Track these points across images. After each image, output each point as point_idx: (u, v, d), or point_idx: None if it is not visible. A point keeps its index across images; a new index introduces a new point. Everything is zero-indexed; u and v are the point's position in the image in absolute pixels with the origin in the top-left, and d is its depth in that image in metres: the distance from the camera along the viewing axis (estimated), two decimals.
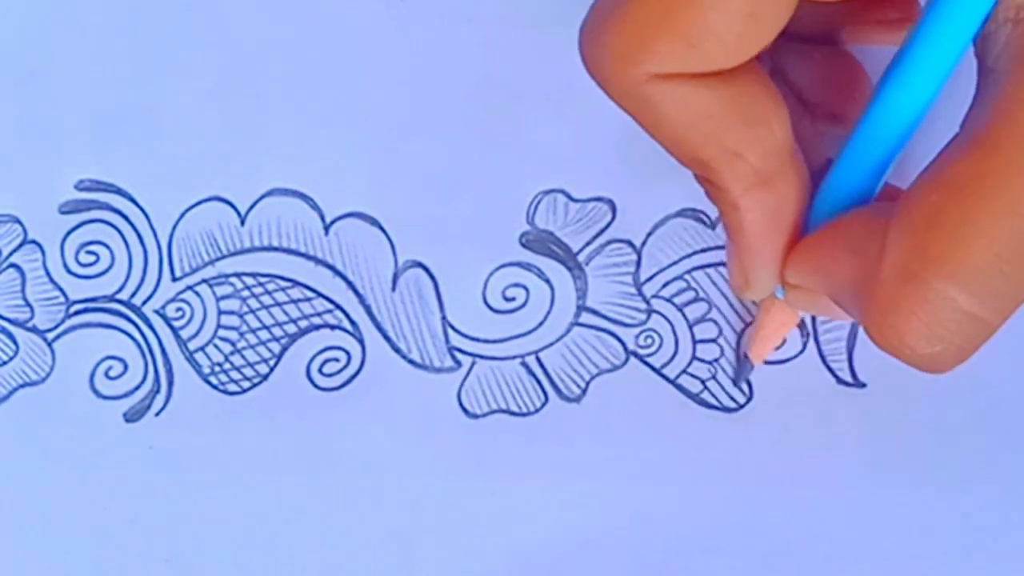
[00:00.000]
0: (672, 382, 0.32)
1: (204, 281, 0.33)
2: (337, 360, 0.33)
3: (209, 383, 0.33)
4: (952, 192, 0.21)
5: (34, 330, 0.33)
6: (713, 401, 0.32)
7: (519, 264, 0.33)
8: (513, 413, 0.33)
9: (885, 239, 0.22)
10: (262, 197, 0.33)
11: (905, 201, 0.22)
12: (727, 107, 0.23)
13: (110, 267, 0.33)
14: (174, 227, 0.33)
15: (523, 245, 0.33)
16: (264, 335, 0.33)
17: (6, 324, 0.33)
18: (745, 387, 0.32)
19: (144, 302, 0.33)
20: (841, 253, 0.24)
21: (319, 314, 0.33)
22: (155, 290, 0.33)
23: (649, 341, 0.33)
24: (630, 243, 0.33)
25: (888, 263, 0.22)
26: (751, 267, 0.27)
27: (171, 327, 0.33)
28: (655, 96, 0.23)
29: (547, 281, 0.33)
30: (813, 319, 0.32)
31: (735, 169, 0.24)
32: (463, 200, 0.33)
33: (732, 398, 0.32)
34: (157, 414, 0.33)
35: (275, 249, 0.33)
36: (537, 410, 0.33)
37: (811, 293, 0.26)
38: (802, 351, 0.32)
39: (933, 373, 0.23)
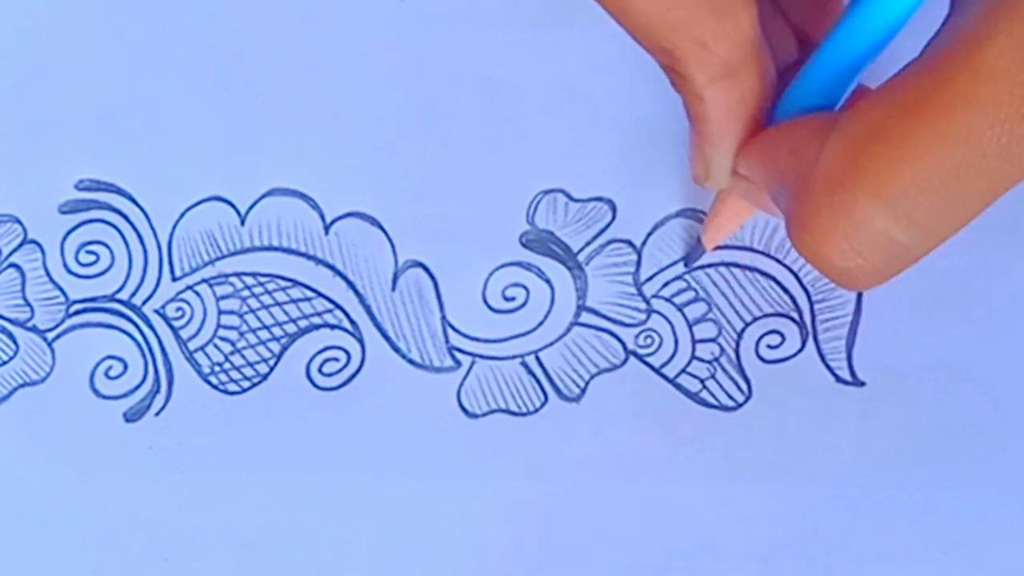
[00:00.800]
0: (671, 381, 0.33)
1: (204, 281, 0.33)
2: (337, 360, 0.33)
3: (209, 383, 0.33)
4: (895, 111, 0.21)
5: (34, 330, 0.33)
6: (712, 400, 0.32)
7: (519, 264, 0.33)
8: (513, 413, 0.33)
9: (823, 146, 0.22)
10: (262, 197, 0.33)
11: (849, 113, 0.22)
12: None
13: (110, 267, 0.33)
14: (174, 227, 0.33)
15: (523, 245, 0.33)
16: (264, 335, 0.33)
17: (6, 324, 0.33)
18: (743, 383, 0.32)
19: (144, 302, 0.33)
20: (784, 152, 0.24)
21: (319, 314, 0.33)
22: (155, 290, 0.33)
23: (649, 341, 0.33)
24: (630, 243, 0.33)
25: (820, 169, 0.22)
26: (711, 156, 0.27)
27: (171, 327, 0.33)
28: None
29: (547, 281, 0.33)
30: (813, 319, 0.32)
31: (701, 59, 0.24)
32: (463, 200, 0.33)
33: (731, 397, 0.32)
34: (157, 414, 0.33)
35: (275, 249, 0.33)
36: (537, 410, 0.33)
37: (753, 188, 0.26)
38: (801, 350, 0.32)
39: (849, 288, 0.23)
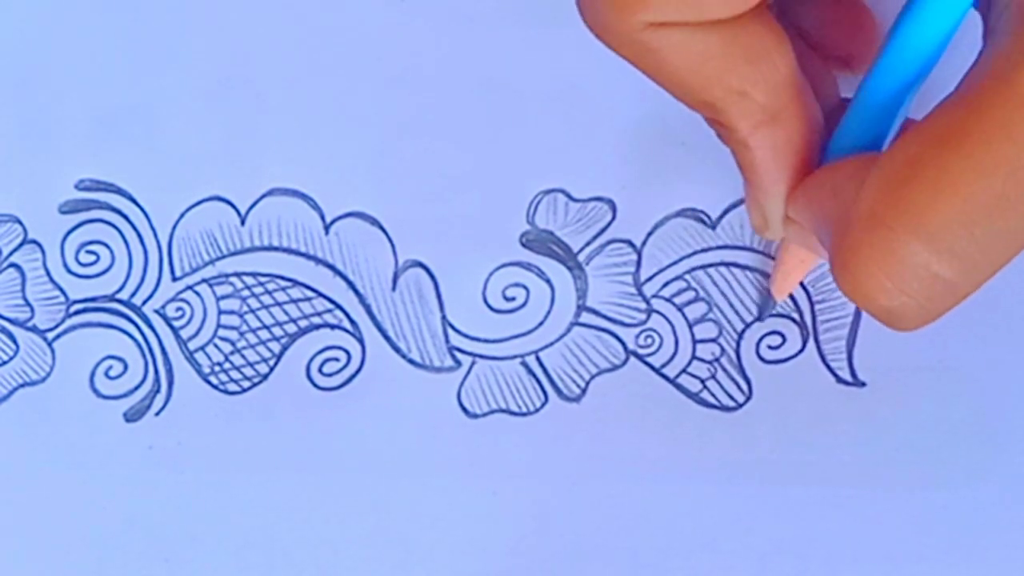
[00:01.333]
0: (672, 382, 0.33)
1: (204, 281, 0.33)
2: (337, 360, 0.33)
3: (209, 383, 0.33)
4: (932, 144, 0.21)
5: (34, 330, 0.33)
6: (712, 400, 0.32)
7: (519, 264, 0.33)
8: (513, 413, 0.33)
9: (863, 184, 0.22)
10: (262, 197, 0.33)
11: (889, 150, 0.22)
12: (727, 47, 0.23)
13: (110, 267, 0.33)
14: (174, 227, 0.33)
15: (523, 245, 0.33)
16: (264, 335, 0.33)
17: (6, 324, 0.33)
18: (744, 384, 0.32)
19: (144, 302, 0.33)
20: (827, 192, 0.24)
21: (319, 314, 0.33)
22: (155, 290, 0.33)
23: (649, 341, 0.33)
24: (630, 243, 0.33)
25: (860, 206, 0.22)
26: (765, 204, 0.27)
27: (171, 327, 0.33)
28: (654, 43, 0.23)
29: (547, 281, 0.33)
30: (813, 319, 0.32)
31: (741, 107, 0.24)
32: (463, 200, 0.33)
33: (732, 397, 0.32)
34: (157, 414, 0.33)
35: (275, 249, 0.33)
36: (537, 410, 0.33)
37: (805, 233, 0.26)
38: (802, 350, 0.32)
39: (895, 328, 0.22)
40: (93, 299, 0.33)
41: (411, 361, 0.33)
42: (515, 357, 0.33)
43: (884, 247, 0.21)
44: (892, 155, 0.22)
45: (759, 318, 0.32)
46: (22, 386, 0.33)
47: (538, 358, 0.33)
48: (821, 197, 0.24)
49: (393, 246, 0.33)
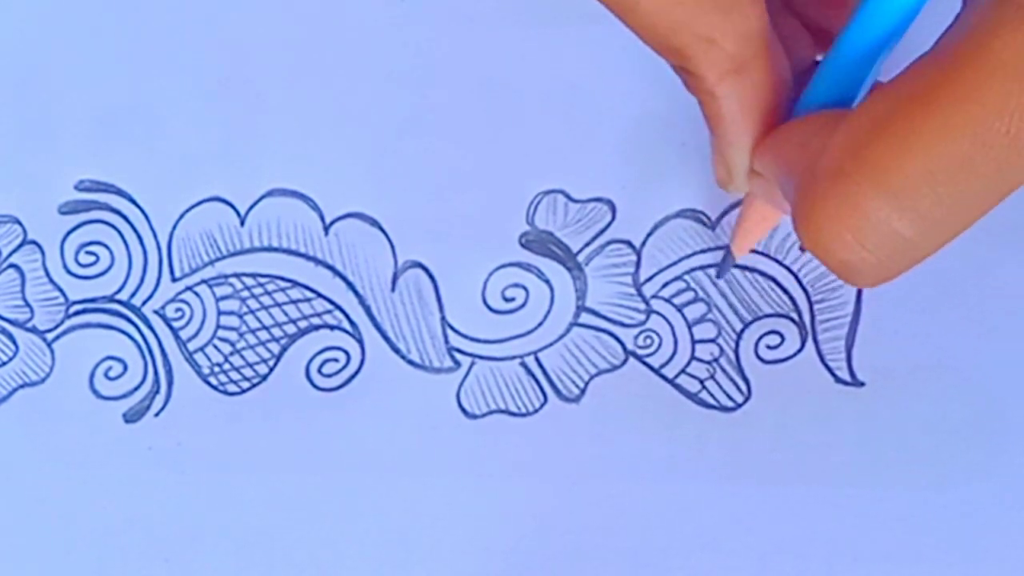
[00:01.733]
0: (671, 382, 0.33)
1: (204, 281, 0.33)
2: (336, 360, 0.33)
3: (209, 383, 0.33)
4: (903, 102, 0.21)
5: (34, 330, 0.33)
6: (711, 401, 0.32)
7: (519, 264, 0.33)
8: (512, 413, 0.33)
9: (830, 137, 0.22)
10: (262, 198, 0.33)
11: (860, 106, 0.22)
12: None
13: (110, 267, 0.33)
14: (174, 227, 0.33)
15: (523, 245, 0.33)
16: (264, 335, 0.33)
17: (6, 324, 0.33)
18: (743, 384, 0.32)
19: (144, 302, 0.33)
20: (793, 144, 0.24)
21: (319, 314, 0.33)
22: (155, 290, 0.33)
23: (648, 341, 0.33)
24: (630, 243, 0.33)
25: (826, 160, 0.22)
26: (730, 156, 0.27)
27: (171, 327, 0.33)
28: None
29: (546, 281, 0.33)
30: (812, 319, 0.32)
31: (709, 55, 0.24)
32: (463, 200, 0.33)
33: (731, 398, 0.32)
34: (157, 414, 0.33)
35: (275, 250, 0.33)
36: (536, 410, 0.33)
37: (769, 186, 0.26)
38: (800, 350, 0.32)
39: (853, 284, 0.23)
40: (93, 300, 0.33)
41: (410, 362, 0.33)
42: (514, 358, 0.33)
43: (847, 201, 0.21)
44: (862, 111, 0.22)
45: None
46: (22, 387, 0.33)
47: (537, 359, 0.33)
48: (788, 150, 0.24)
49: (392, 247, 0.33)
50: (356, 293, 0.33)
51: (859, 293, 0.32)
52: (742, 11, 0.24)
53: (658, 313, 0.33)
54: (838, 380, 0.32)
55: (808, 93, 0.26)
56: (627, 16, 0.24)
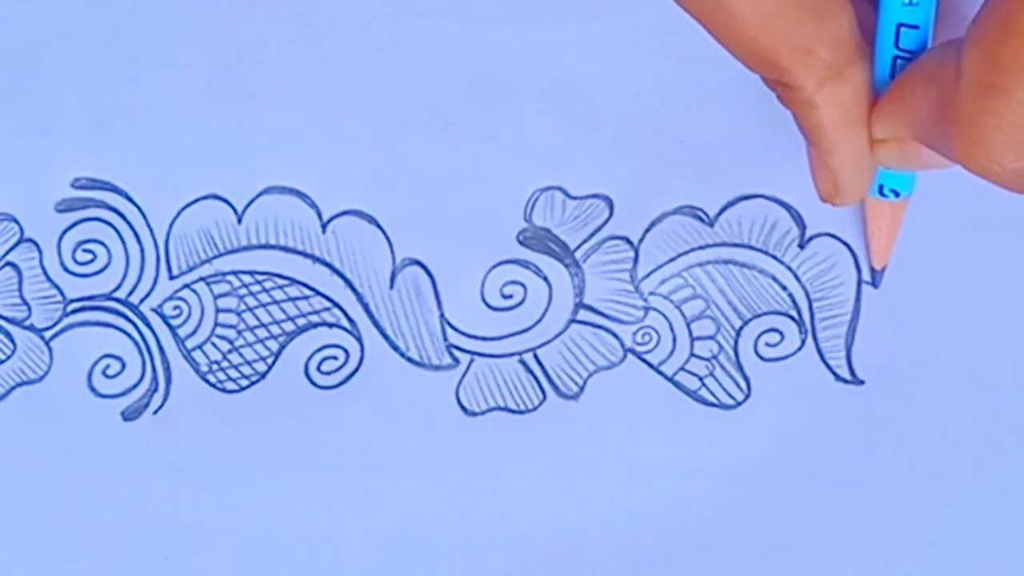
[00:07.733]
0: (670, 379, 0.32)
1: (201, 279, 0.33)
2: (335, 358, 0.33)
3: (207, 381, 0.33)
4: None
5: (31, 329, 0.33)
6: (711, 398, 0.32)
7: (517, 261, 0.33)
8: (511, 411, 0.33)
9: (960, 60, 0.22)
10: (259, 195, 0.33)
11: (977, 20, 0.22)
12: (794, 4, 0.23)
13: (107, 265, 0.33)
14: (171, 225, 0.33)
15: (521, 242, 0.33)
16: (262, 333, 0.33)
17: (3, 323, 0.33)
18: (742, 381, 0.32)
19: (141, 300, 0.33)
20: (919, 87, 0.24)
21: (317, 312, 0.33)
22: (152, 288, 0.33)
23: (647, 338, 0.33)
24: (628, 240, 0.33)
25: (965, 81, 0.22)
26: (835, 166, 0.27)
27: (168, 325, 0.33)
28: None
29: (544, 278, 0.33)
30: (812, 317, 0.32)
31: (808, 65, 0.24)
32: (460, 198, 0.33)
33: (730, 395, 0.32)
34: (155, 412, 0.33)
35: (272, 247, 0.33)
36: (535, 408, 0.33)
37: (900, 144, 0.26)
38: (800, 348, 0.32)
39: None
40: (90, 298, 0.33)
41: (409, 359, 0.33)
42: (513, 355, 0.33)
43: (1001, 109, 0.21)
44: (983, 22, 0.21)
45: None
46: (20, 385, 0.33)
47: (536, 356, 0.33)
48: (914, 93, 0.24)
49: (391, 244, 0.33)
50: (354, 291, 0.33)
51: (859, 291, 0.32)
52: (836, 18, 0.24)
53: (656, 310, 0.33)
54: (838, 378, 0.32)
55: (880, 54, 0.26)
56: (722, 33, 0.24)
